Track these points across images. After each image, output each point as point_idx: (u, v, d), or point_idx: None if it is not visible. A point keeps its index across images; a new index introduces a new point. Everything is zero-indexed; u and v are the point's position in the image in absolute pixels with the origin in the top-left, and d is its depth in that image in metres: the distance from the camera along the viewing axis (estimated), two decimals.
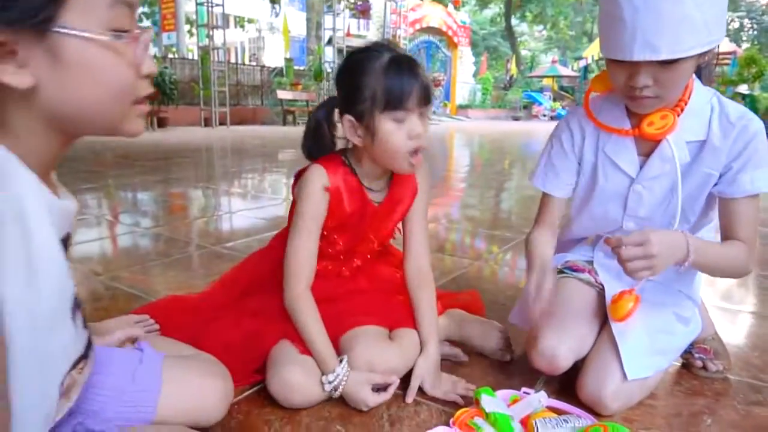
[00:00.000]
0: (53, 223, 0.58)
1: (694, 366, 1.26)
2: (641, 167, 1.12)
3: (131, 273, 1.92)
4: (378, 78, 1.07)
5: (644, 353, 1.08)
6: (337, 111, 1.16)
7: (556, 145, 1.21)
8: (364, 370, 1.09)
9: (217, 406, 0.95)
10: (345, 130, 1.13)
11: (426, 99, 1.10)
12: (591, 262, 1.26)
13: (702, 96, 1.07)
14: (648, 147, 1.10)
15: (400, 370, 1.14)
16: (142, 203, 3.34)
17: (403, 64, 1.08)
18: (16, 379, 0.53)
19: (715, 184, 1.08)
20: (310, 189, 1.14)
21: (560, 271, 1.25)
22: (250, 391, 1.13)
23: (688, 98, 1.05)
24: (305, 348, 1.11)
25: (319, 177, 1.15)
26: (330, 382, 1.06)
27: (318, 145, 1.20)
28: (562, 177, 1.21)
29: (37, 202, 0.56)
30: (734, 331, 1.55)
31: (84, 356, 0.68)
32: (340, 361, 1.09)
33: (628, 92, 1.01)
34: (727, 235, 1.07)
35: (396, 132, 1.08)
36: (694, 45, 0.92)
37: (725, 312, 1.68)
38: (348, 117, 1.11)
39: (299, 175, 1.20)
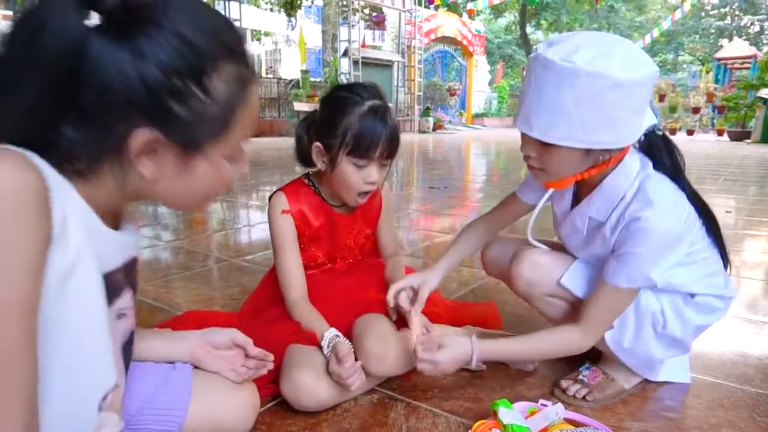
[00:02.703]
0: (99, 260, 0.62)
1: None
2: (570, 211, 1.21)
3: (154, 286, 1.96)
4: (352, 122, 1.17)
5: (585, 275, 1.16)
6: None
7: None
8: (374, 357, 1.14)
9: (246, 417, 0.99)
10: (313, 153, 1.26)
11: (390, 153, 1.21)
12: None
13: (621, 182, 1.06)
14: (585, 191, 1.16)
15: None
16: (162, 216, 3.41)
17: (378, 116, 1.18)
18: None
19: None
20: (271, 214, 1.33)
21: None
22: (272, 403, 1.16)
23: (601, 180, 1.09)
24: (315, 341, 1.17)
25: (278, 203, 1.31)
26: (327, 337, 1.15)
27: (302, 155, 1.32)
28: (532, 188, 1.30)
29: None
30: (757, 342, 1.53)
31: None
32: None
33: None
34: (581, 306, 1.12)
35: (354, 175, 1.22)
36: (565, 137, 0.96)
37: (750, 323, 1.67)
38: (318, 144, 1.24)
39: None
